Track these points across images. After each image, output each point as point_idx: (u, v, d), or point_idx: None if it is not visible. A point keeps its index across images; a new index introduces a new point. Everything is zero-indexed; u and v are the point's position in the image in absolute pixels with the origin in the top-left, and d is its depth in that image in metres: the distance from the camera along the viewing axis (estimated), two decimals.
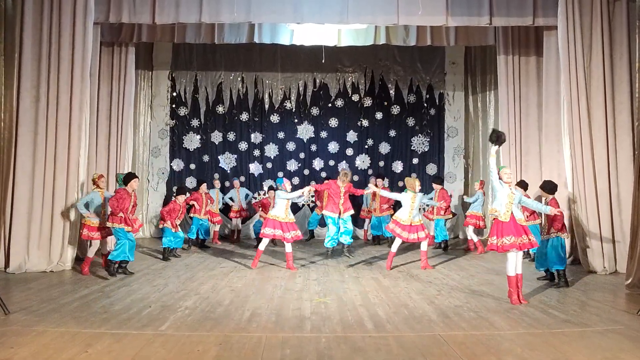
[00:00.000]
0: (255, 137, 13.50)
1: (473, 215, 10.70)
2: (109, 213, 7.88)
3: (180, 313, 5.80)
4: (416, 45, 11.02)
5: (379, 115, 13.56)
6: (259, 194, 13.11)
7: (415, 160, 13.61)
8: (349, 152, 13.56)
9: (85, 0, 8.54)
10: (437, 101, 13.65)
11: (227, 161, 13.46)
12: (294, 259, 8.92)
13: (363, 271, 8.52)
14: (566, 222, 8.21)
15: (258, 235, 10.72)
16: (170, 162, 13.42)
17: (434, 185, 11.37)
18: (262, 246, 8.73)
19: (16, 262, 8.09)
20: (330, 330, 5.21)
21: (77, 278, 7.69)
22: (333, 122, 13.56)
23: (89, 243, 8.18)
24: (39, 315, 5.64)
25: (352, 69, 13.56)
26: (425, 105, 13.61)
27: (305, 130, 13.56)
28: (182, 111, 13.41)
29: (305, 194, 8.73)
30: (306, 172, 13.48)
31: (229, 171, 13.41)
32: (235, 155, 13.49)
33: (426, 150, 13.62)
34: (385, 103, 13.59)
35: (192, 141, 13.42)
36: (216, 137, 13.46)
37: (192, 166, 13.37)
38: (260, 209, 11.47)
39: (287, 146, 13.54)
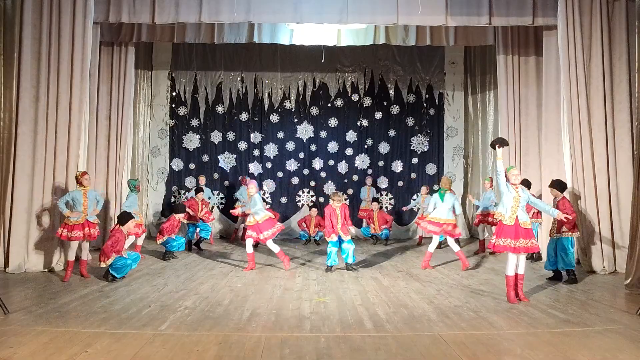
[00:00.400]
0: (255, 137, 13.50)
1: (488, 214, 10.17)
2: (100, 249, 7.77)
3: (179, 313, 5.80)
4: (416, 45, 11.04)
5: (378, 115, 13.57)
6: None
7: (414, 160, 13.62)
8: (349, 151, 13.57)
9: (84, 0, 8.54)
10: (436, 101, 13.66)
11: (226, 161, 13.46)
12: (293, 258, 8.89)
13: (362, 271, 8.52)
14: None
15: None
16: (170, 161, 13.42)
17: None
18: (249, 249, 8.65)
19: (16, 262, 8.09)
20: (330, 330, 5.22)
21: (76, 278, 7.68)
22: (332, 122, 13.57)
23: (68, 245, 7.70)
24: (38, 314, 5.64)
25: (352, 69, 13.56)
26: (425, 105, 13.62)
27: (304, 130, 13.56)
28: (182, 111, 13.41)
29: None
30: (306, 171, 13.48)
31: (228, 171, 13.42)
32: (235, 155, 13.49)
33: (426, 150, 13.63)
34: (385, 103, 13.60)
35: (192, 141, 13.42)
36: (216, 136, 13.46)
37: (192, 166, 13.37)
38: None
39: (286, 146, 13.54)
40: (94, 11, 8.72)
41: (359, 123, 13.60)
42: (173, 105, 13.44)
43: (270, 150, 13.52)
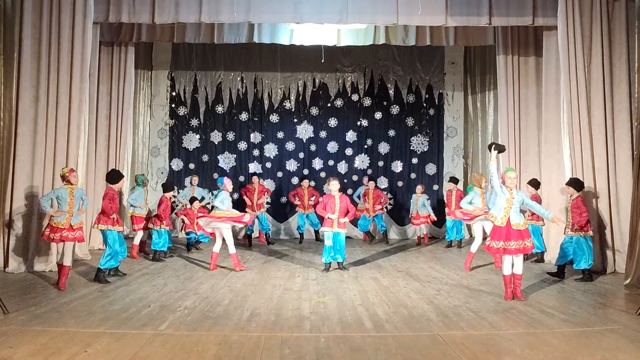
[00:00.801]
0: (255, 137, 13.50)
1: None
2: (99, 213, 7.65)
3: (179, 313, 5.80)
4: (415, 45, 11.05)
5: (378, 115, 13.57)
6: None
7: (414, 160, 13.62)
8: (348, 152, 13.56)
9: (84, 0, 8.54)
10: (436, 101, 13.66)
11: (226, 161, 13.46)
12: (293, 258, 8.88)
13: (362, 271, 8.53)
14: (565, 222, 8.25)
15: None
16: (170, 161, 13.42)
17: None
18: (216, 248, 8.57)
19: (15, 262, 8.08)
20: (330, 330, 5.22)
21: (76, 278, 7.68)
22: (332, 122, 13.57)
23: (51, 248, 7.40)
24: (38, 314, 5.64)
25: (352, 69, 13.56)
26: (425, 105, 13.62)
27: (304, 130, 13.56)
28: (182, 111, 13.42)
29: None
30: (305, 171, 13.48)
31: (228, 171, 13.41)
32: (235, 155, 13.49)
33: (425, 150, 13.62)
34: (385, 103, 13.60)
35: (192, 141, 13.42)
36: (215, 136, 13.46)
37: (192, 166, 13.37)
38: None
39: (286, 146, 13.54)
40: (94, 11, 8.71)
41: (358, 123, 13.60)
42: (173, 105, 13.44)
43: (270, 150, 13.51)
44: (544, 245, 9.30)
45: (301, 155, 13.56)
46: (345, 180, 13.50)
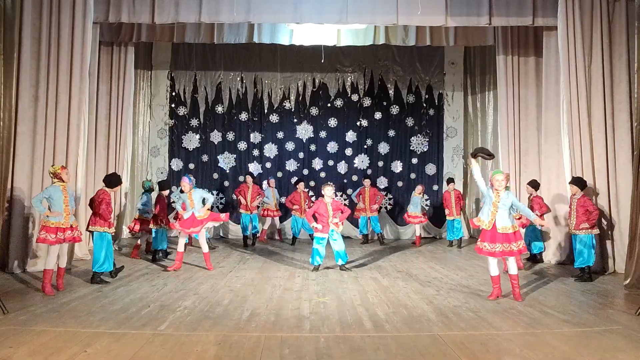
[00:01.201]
0: (255, 137, 13.51)
1: None
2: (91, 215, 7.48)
3: (179, 313, 5.80)
4: (415, 45, 11.05)
5: (378, 115, 13.57)
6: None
7: (414, 161, 13.62)
8: (348, 152, 13.57)
9: (84, 0, 8.54)
10: (436, 101, 13.66)
11: (226, 161, 13.46)
12: (292, 258, 8.88)
13: (362, 271, 8.53)
14: (565, 222, 8.27)
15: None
16: (169, 161, 13.42)
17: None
18: (180, 247, 8.52)
19: (15, 262, 8.08)
20: (329, 330, 5.22)
21: (75, 278, 7.68)
22: (332, 122, 13.57)
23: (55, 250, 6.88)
24: (37, 314, 5.64)
25: (352, 69, 13.56)
26: (425, 105, 13.62)
27: (304, 130, 13.56)
28: (181, 111, 13.42)
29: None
30: (305, 172, 13.47)
31: (228, 171, 13.42)
32: (235, 155, 13.49)
33: (425, 150, 13.62)
34: (385, 103, 13.60)
35: (191, 141, 13.42)
36: (215, 136, 13.46)
37: (191, 166, 13.37)
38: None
39: (286, 146, 13.54)
40: (94, 11, 8.71)
41: (358, 123, 13.60)
42: (173, 105, 13.44)
43: (270, 150, 13.51)
44: (544, 245, 9.30)
45: (301, 155, 13.56)
46: (345, 180, 13.52)
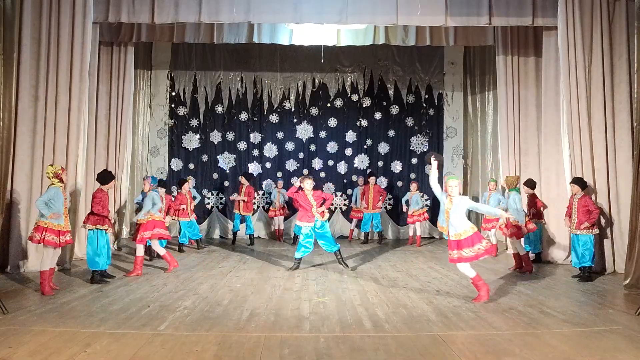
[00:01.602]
0: (255, 137, 13.51)
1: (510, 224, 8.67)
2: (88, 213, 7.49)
3: (179, 313, 5.79)
4: (415, 45, 11.05)
5: (378, 115, 13.57)
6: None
7: (414, 161, 13.62)
8: (348, 152, 13.57)
9: (84, 0, 8.54)
10: (436, 101, 13.67)
11: (226, 161, 13.46)
12: (292, 258, 8.84)
13: (362, 271, 8.53)
14: (565, 222, 8.26)
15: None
16: (169, 161, 13.42)
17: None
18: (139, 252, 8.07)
19: (15, 262, 8.08)
20: (329, 330, 5.21)
21: (75, 278, 7.68)
22: (332, 122, 13.57)
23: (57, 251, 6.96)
24: (37, 314, 5.64)
25: (351, 69, 13.57)
26: (424, 105, 13.62)
27: (304, 130, 13.56)
28: (181, 111, 13.42)
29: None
30: (305, 172, 13.47)
31: (227, 171, 13.42)
32: (234, 155, 13.49)
33: (425, 150, 13.61)
34: (384, 103, 13.60)
35: (191, 141, 13.43)
36: (215, 136, 13.46)
37: (191, 166, 13.37)
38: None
39: (286, 146, 13.54)
40: (94, 11, 8.71)
41: (358, 123, 13.60)
42: (172, 105, 13.44)
43: (270, 150, 13.52)
44: (540, 246, 9.31)
45: (301, 155, 13.56)
46: (345, 180, 13.52)
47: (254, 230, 12.19)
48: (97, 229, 7.35)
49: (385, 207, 13.44)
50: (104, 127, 10.37)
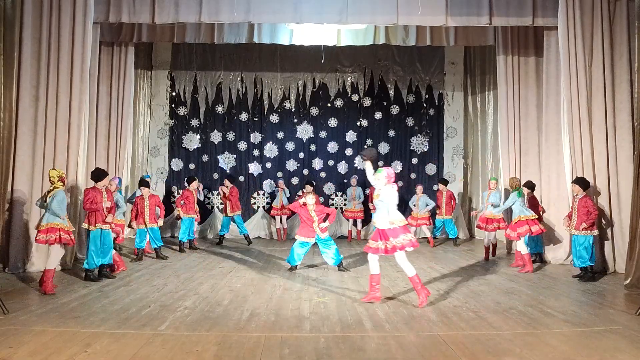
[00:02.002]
0: (255, 137, 13.50)
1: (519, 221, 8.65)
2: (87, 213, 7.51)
3: (179, 313, 5.80)
4: (416, 45, 11.05)
5: (378, 115, 13.57)
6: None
7: (414, 161, 13.61)
8: (348, 152, 13.56)
9: (84, 0, 8.55)
10: (436, 101, 13.66)
11: (226, 161, 13.46)
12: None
13: (362, 271, 8.52)
14: (565, 222, 8.26)
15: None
16: (169, 161, 13.42)
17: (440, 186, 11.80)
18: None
19: (15, 262, 8.08)
20: (329, 330, 5.22)
21: (75, 278, 7.68)
22: (332, 122, 13.57)
23: (48, 250, 7.15)
24: (37, 314, 5.64)
25: (352, 69, 13.56)
26: (425, 105, 13.61)
27: (304, 130, 13.56)
28: (182, 111, 13.42)
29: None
30: (305, 172, 13.48)
31: (228, 171, 13.41)
32: (235, 155, 13.49)
33: (425, 150, 13.62)
34: (385, 103, 13.59)
35: (192, 141, 13.43)
36: (215, 137, 13.46)
37: (192, 166, 13.37)
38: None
39: (286, 146, 13.54)
40: (94, 11, 8.71)
41: (358, 123, 13.59)
42: (173, 105, 13.44)
43: (270, 150, 13.51)
44: (540, 246, 9.29)
45: (301, 155, 13.55)
46: (345, 180, 13.50)
47: (248, 230, 12.04)
48: (101, 228, 7.41)
49: None
50: (105, 127, 10.38)
